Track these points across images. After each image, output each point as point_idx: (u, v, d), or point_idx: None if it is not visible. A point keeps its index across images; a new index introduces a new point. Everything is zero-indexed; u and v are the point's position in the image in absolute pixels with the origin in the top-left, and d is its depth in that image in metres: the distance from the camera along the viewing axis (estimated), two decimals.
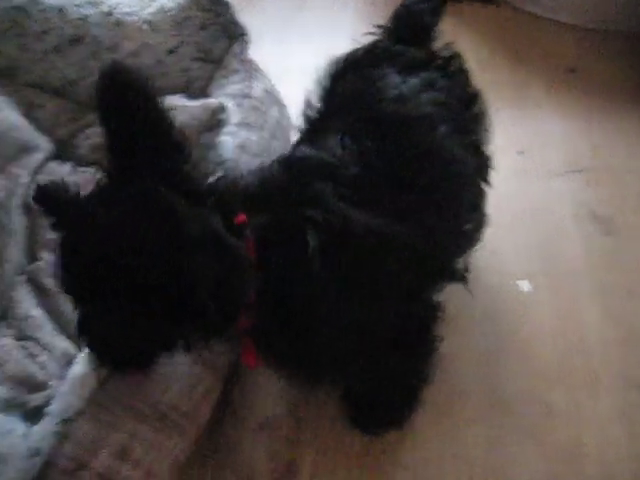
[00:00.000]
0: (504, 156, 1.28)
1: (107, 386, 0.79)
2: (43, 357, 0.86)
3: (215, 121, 1.03)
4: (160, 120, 0.70)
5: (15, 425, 0.76)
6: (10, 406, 0.80)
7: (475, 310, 1.07)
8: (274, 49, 1.25)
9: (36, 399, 0.82)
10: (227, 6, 1.12)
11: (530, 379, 1.00)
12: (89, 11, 1.18)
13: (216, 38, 1.14)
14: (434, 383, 0.94)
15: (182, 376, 0.83)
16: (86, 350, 0.82)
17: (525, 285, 1.11)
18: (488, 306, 1.08)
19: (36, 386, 0.84)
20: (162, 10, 1.14)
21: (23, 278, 0.95)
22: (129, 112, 0.68)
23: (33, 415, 0.80)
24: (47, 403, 0.81)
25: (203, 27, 1.13)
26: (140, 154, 0.68)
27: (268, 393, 0.98)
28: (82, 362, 0.82)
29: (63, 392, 0.79)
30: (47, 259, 0.96)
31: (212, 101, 1.05)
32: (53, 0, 1.19)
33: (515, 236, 1.18)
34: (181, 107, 1.04)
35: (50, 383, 0.83)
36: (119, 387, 0.79)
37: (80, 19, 1.18)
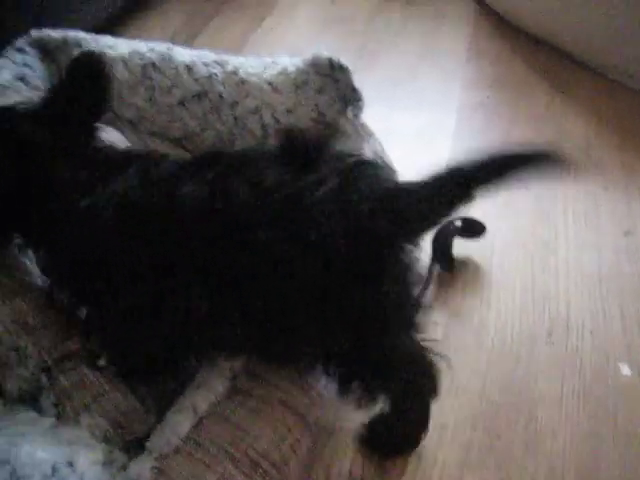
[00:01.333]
0: (610, 236, 1.26)
1: (203, 425, 0.81)
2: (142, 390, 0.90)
3: None
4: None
5: (116, 456, 0.79)
6: (112, 437, 0.83)
7: (571, 388, 1.04)
8: (383, 112, 1.29)
9: (135, 432, 0.86)
10: (346, 72, 1.17)
11: (630, 464, 0.96)
12: (216, 70, 1.27)
13: (332, 101, 1.19)
14: (533, 458, 0.91)
15: (272, 425, 0.85)
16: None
17: (625, 368, 1.08)
18: (585, 386, 1.05)
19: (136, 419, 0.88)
20: (283, 72, 1.21)
21: None
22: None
23: (131, 447, 0.84)
24: (146, 437, 0.85)
25: (320, 91, 1.19)
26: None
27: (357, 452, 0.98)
28: (182, 399, 0.85)
29: (161, 428, 0.82)
30: None
31: None
32: (184, 58, 1.29)
33: (617, 317, 1.15)
34: None
35: (149, 417, 0.87)
36: (214, 428, 0.81)
37: (206, 77, 1.26)
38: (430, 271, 1.17)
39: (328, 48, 1.23)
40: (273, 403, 0.85)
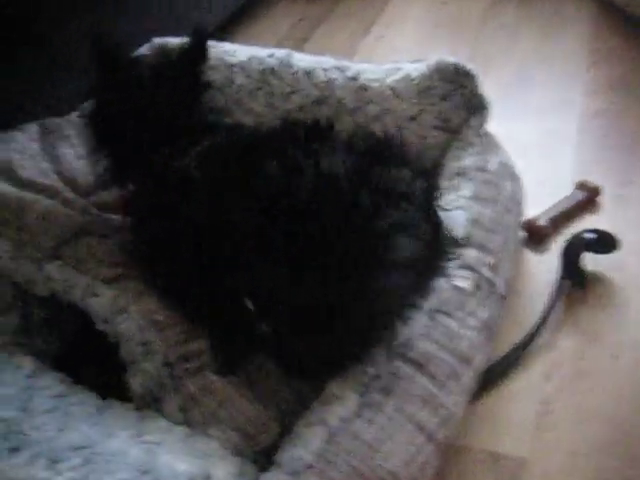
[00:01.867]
0: None
1: (334, 441, 0.79)
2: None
3: None
4: None
5: (247, 468, 0.79)
6: (242, 448, 0.83)
7: None
8: (497, 120, 1.24)
9: (261, 442, 0.85)
10: (472, 78, 1.13)
11: None
12: (335, 75, 1.25)
13: (456, 109, 1.15)
14: None
15: (402, 444, 0.82)
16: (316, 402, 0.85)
17: None
18: None
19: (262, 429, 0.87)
20: (406, 78, 1.18)
21: None
22: None
23: (258, 459, 0.84)
24: (272, 448, 0.84)
25: (445, 97, 1.15)
26: None
27: None
28: (311, 413, 0.83)
29: (292, 442, 0.81)
30: None
31: None
32: (303, 64, 1.28)
33: None
34: None
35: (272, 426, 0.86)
36: (345, 445, 0.79)
37: (326, 82, 1.25)
38: (559, 287, 1.11)
39: (439, 52, 1.19)
40: (403, 421, 0.82)
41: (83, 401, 0.89)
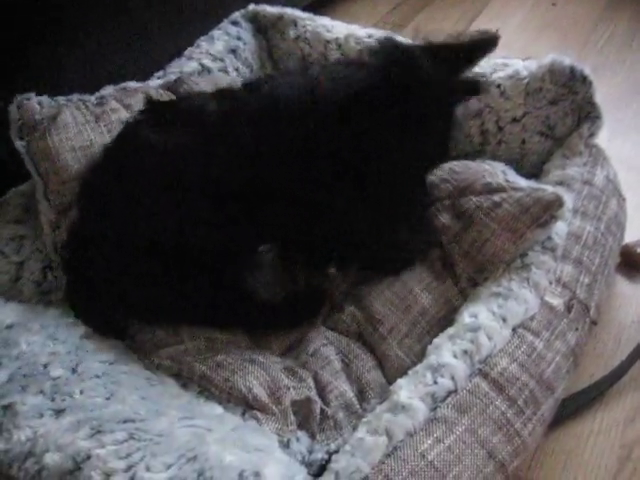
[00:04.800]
0: None
1: (397, 457, 0.72)
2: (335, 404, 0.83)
3: (548, 217, 0.93)
4: None
5: (297, 471, 0.73)
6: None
7: None
8: (604, 135, 1.14)
9: (319, 449, 0.79)
10: (588, 84, 1.04)
11: None
12: None
13: (565, 116, 1.06)
14: None
15: (470, 471, 0.75)
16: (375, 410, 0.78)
17: None
18: None
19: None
20: (515, 76, 1.09)
21: None
22: None
23: (312, 463, 0.78)
24: (328, 455, 0.78)
25: (554, 101, 1.06)
26: None
27: None
28: (370, 423, 0.77)
29: (349, 451, 0.74)
30: None
31: (547, 193, 0.93)
32: None
33: None
34: (510, 196, 0.95)
35: (337, 435, 0.80)
36: (409, 463, 0.72)
37: None
38: None
39: (543, 55, 1.11)
40: (474, 445, 0.75)
41: (133, 371, 0.85)
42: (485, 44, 0.90)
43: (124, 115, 1.04)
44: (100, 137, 1.01)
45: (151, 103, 0.95)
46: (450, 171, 1.01)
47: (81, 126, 1.01)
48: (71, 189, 0.96)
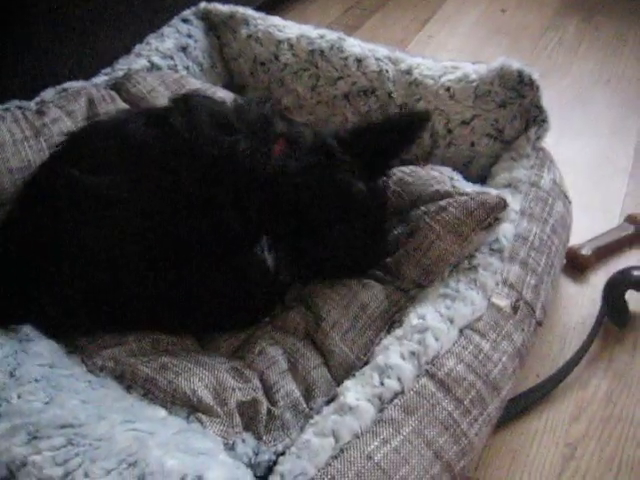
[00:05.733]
0: None
1: (344, 458, 0.72)
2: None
3: (492, 219, 0.93)
4: None
5: (242, 474, 0.71)
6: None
7: None
8: (550, 139, 1.16)
9: (265, 451, 0.78)
10: (536, 88, 1.05)
11: None
12: (387, 66, 1.18)
13: (513, 119, 1.07)
14: None
15: (417, 472, 0.74)
16: (322, 412, 0.78)
17: None
18: None
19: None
20: (464, 79, 1.10)
21: None
22: None
23: (257, 465, 0.77)
24: (275, 456, 0.76)
25: (502, 105, 1.07)
26: None
27: None
28: (317, 424, 0.76)
29: (295, 453, 0.73)
30: None
31: (491, 196, 0.93)
32: (355, 50, 1.20)
33: None
34: (456, 200, 0.94)
35: (284, 436, 0.79)
36: (355, 464, 0.71)
37: (377, 72, 1.18)
38: (598, 322, 1.03)
39: (492, 60, 1.12)
40: (421, 446, 0.75)
41: (75, 374, 0.82)
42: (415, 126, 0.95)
43: (66, 125, 1.01)
44: (39, 156, 0.98)
45: (71, 135, 0.92)
46: (401, 182, 1.00)
47: (19, 144, 0.98)
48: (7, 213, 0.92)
